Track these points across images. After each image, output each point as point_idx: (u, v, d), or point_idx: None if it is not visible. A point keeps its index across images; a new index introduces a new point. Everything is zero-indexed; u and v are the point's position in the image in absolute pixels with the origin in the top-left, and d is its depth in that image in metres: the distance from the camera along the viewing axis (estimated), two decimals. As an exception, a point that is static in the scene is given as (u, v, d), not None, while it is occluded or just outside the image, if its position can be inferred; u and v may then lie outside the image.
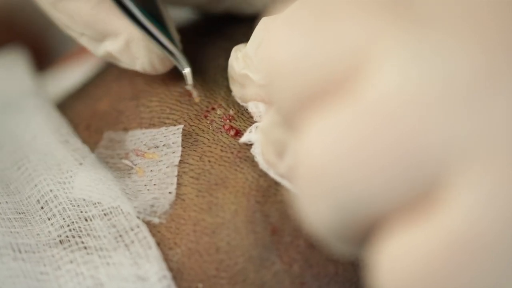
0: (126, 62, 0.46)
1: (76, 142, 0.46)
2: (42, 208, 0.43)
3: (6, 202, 0.43)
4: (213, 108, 0.45)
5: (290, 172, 0.39)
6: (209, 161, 0.43)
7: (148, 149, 0.44)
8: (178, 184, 0.42)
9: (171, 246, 0.41)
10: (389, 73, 0.26)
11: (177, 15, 0.54)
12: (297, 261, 0.40)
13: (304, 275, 0.40)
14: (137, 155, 0.44)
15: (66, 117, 0.49)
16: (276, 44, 0.29)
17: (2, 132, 0.49)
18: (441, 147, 0.25)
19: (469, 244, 0.25)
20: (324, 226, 0.28)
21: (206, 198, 0.41)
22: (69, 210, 0.42)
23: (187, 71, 0.45)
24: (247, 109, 0.44)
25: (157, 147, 0.44)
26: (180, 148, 0.43)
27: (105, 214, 0.42)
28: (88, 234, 0.41)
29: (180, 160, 0.43)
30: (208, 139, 0.43)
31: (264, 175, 0.41)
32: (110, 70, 0.51)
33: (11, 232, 0.41)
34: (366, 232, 0.28)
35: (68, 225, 0.41)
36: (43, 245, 0.41)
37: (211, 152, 0.43)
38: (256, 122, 0.43)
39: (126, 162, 0.44)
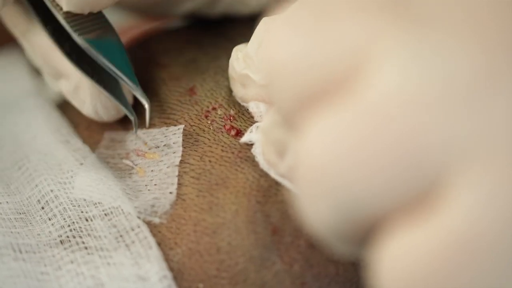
0: (75, 104, 0.47)
1: (76, 142, 0.46)
2: (42, 208, 0.43)
3: (7, 202, 0.43)
4: (214, 108, 0.45)
5: (291, 172, 0.39)
6: (209, 161, 0.43)
7: (149, 149, 0.44)
8: (179, 184, 0.42)
9: (172, 246, 0.41)
10: (389, 73, 0.26)
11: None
12: (298, 261, 0.40)
13: (305, 275, 0.40)
14: (138, 155, 0.44)
15: (67, 116, 0.49)
16: (276, 44, 0.29)
17: (2, 132, 0.49)
18: (441, 147, 0.25)
19: (469, 244, 0.25)
20: (324, 226, 0.28)
21: (206, 198, 0.41)
22: (70, 210, 0.42)
23: (147, 106, 0.44)
24: (247, 109, 0.44)
25: (158, 147, 0.44)
26: (181, 148, 0.43)
27: (105, 214, 0.42)
28: (89, 234, 0.41)
29: (180, 160, 0.43)
30: (209, 139, 0.43)
31: (264, 175, 0.41)
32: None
33: (11, 232, 0.41)
34: (366, 232, 0.28)
35: (69, 225, 0.41)
36: (44, 245, 0.41)
37: (211, 152, 0.43)
38: (256, 122, 0.43)
39: (127, 162, 0.44)
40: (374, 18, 0.27)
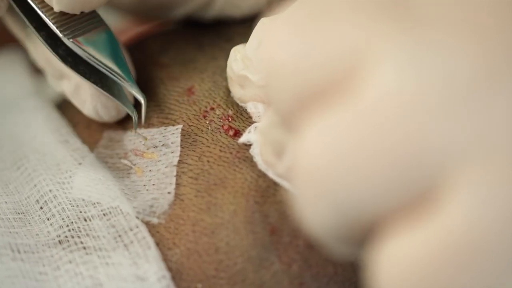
0: (76, 104, 0.47)
1: (75, 142, 0.46)
2: (41, 208, 0.43)
3: (6, 202, 0.43)
4: (212, 108, 0.45)
5: (289, 172, 0.39)
6: (208, 161, 0.43)
7: (147, 149, 0.44)
8: (177, 184, 0.42)
9: (170, 246, 0.41)
10: (388, 73, 0.26)
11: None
12: (296, 261, 0.40)
13: (303, 275, 0.40)
14: (136, 154, 0.44)
15: (67, 115, 0.49)
16: (276, 44, 0.29)
17: (2, 132, 0.49)
18: (440, 147, 0.25)
19: (469, 245, 0.25)
20: (323, 227, 0.28)
21: (205, 198, 0.41)
22: (68, 210, 0.42)
23: (143, 102, 0.44)
24: (246, 110, 0.44)
25: (156, 147, 0.44)
26: (179, 148, 0.43)
27: (104, 214, 0.42)
28: (87, 234, 0.41)
29: (179, 160, 0.43)
30: (207, 139, 0.43)
31: (263, 175, 0.41)
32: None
33: (10, 232, 0.41)
34: (365, 233, 0.28)
35: (67, 225, 0.41)
36: (42, 245, 0.41)
37: (210, 152, 0.43)
38: (255, 122, 0.43)
39: (125, 162, 0.44)
40: (373, 19, 0.27)
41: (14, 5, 0.44)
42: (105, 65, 0.43)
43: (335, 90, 0.27)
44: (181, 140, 0.44)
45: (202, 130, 0.44)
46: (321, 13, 0.28)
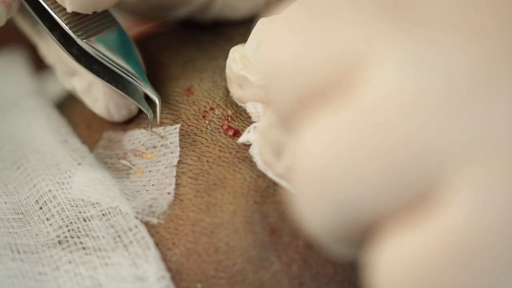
0: (87, 103, 0.47)
1: (75, 142, 0.46)
2: (41, 208, 0.43)
3: (5, 202, 0.43)
4: (212, 108, 0.45)
5: (288, 172, 0.39)
6: (207, 161, 0.43)
7: (146, 149, 0.44)
8: (177, 184, 0.42)
9: (170, 247, 0.41)
10: (388, 74, 0.26)
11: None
12: (296, 261, 0.40)
13: (303, 275, 0.40)
14: (135, 155, 0.44)
15: (67, 115, 0.49)
16: (275, 44, 0.29)
17: (2, 132, 0.49)
18: (440, 147, 0.25)
19: (469, 245, 0.25)
20: (322, 227, 0.28)
21: (204, 199, 0.41)
22: (68, 211, 0.42)
23: (158, 102, 0.44)
24: (245, 110, 0.44)
25: (155, 147, 0.44)
26: (178, 148, 0.43)
27: (103, 215, 0.42)
28: (87, 235, 0.41)
29: (178, 161, 0.43)
30: (207, 139, 0.43)
31: (262, 175, 0.41)
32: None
33: (9, 232, 0.41)
34: (365, 233, 0.28)
35: (67, 226, 0.41)
36: (42, 245, 0.41)
37: (209, 152, 0.43)
38: (254, 122, 0.43)
39: (125, 162, 0.44)
40: (373, 19, 0.27)
41: (27, 6, 0.45)
42: (118, 65, 0.44)
43: (335, 90, 0.27)
44: (181, 140, 0.44)
45: (201, 130, 0.44)
46: (320, 13, 0.28)
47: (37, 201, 0.43)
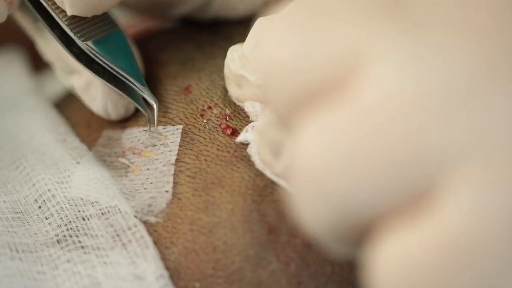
0: (85, 101, 0.47)
1: (74, 141, 0.46)
2: (39, 207, 0.43)
3: (4, 201, 0.43)
4: (210, 107, 0.45)
5: (286, 171, 0.39)
6: (205, 160, 0.43)
7: (145, 147, 0.44)
8: (175, 183, 0.42)
9: (168, 245, 0.41)
10: (388, 73, 0.26)
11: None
12: (294, 260, 0.40)
13: (301, 274, 0.40)
14: (134, 153, 0.44)
15: (66, 115, 0.49)
16: (274, 44, 0.29)
17: (0, 132, 0.49)
18: (439, 147, 0.25)
19: (468, 244, 0.25)
20: (320, 226, 0.28)
21: (202, 197, 0.41)
22: (67, 210, 0.42)
23: (155, 106, 0.44)
24: (243, 109, 0.44)
25: (154, 145, 0.44)
26: (177, 147, 0.43)
27: (102, 214, 0.42)
28: (86, 234, 0.41)
29: (176, 159, 0.43)
30: (205, 138, 0.43)
31: (260, 174, 0.41)
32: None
33: (8, 231, 0.41)
34: (363, 232, 0.28)
35: (66, 225, 0.41)
36: (41, 244, 0.41)
37: (207, 151, 0.43)
38: (252, 121, 0.43)
39: (123, 160, 0.44)
40: (373, 18, 0.27)
41: (29, 4, 0.45)
42: (116, 67, 0.44)
43: (334, 89, 0.27)
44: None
45: (199, 129, 0.44)
46: (320, 12, 0.28)
47: (36, 200, 0.43)
